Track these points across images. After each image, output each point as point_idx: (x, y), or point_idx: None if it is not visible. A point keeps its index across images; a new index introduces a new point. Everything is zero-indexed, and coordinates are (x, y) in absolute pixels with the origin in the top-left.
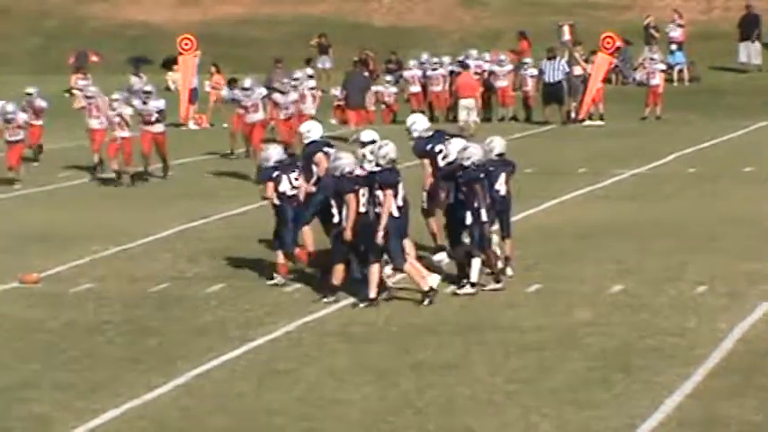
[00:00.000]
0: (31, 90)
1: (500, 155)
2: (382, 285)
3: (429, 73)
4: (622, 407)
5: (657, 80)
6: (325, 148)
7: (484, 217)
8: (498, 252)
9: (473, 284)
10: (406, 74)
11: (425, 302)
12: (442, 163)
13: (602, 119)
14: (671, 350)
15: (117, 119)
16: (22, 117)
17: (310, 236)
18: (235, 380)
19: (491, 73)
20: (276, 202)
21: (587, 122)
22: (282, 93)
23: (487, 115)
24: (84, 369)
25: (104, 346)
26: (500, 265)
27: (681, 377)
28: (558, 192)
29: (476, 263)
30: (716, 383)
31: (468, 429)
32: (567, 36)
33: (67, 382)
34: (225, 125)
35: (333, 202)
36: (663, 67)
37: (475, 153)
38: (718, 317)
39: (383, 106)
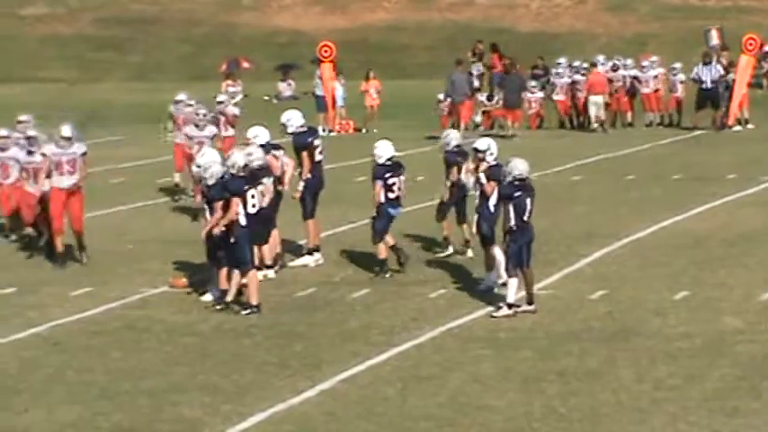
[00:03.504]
0: (221, 98)
1: (458, 146)
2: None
3: (574, 77)
4: None
5: None
6: (274, 151)
7: (517, 236)
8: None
9: (510, 305)
10: (555, 80)
11: (245, 312)
12: (319, 157)
13: (746, 123)
14: None
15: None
16: (211, 130)
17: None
18: (380, 385)
19: (635, 78)
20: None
21: (737, 128)
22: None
23: (619, 120)
24: (231, 373)
25: (251, 350)
26: (450, 249)
27: None
28: (708, 198)
29: (511, 283)
30: None
31: None
32: (715, 40)
33: (215, 385)
34: (375, 130)
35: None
36: None
37: (516, 167)
38: None
39: (529, 111)
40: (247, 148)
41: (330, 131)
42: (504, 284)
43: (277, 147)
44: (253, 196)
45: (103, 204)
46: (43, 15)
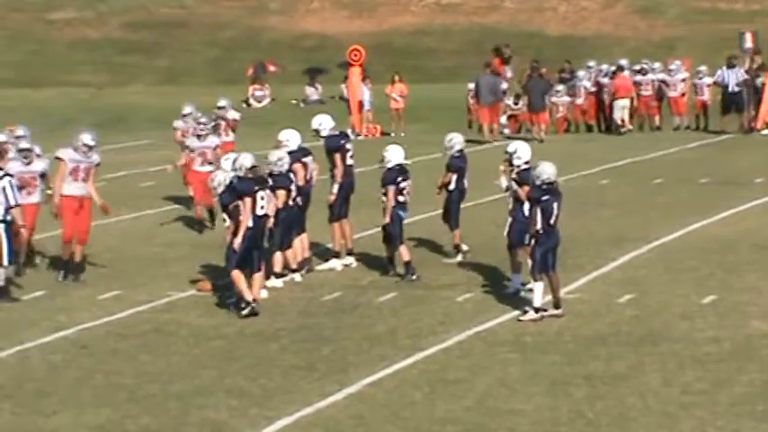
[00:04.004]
0: (222, 103)
1: (460, 151)
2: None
3: (601, 80)
4: None
5: None
6: (304, 158)
7: (543, 239)
8: None
9: (537, 309)
10: (578, 84)
11: (243, 312)
12: (350, 161)
13: None
14: None
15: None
16: (213, 140)
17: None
18: (407, 389)
19: (662, 82)
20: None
21: (765, 131)
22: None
23: (647, 124)
24: (258, 376)
25: (278, 354)
26: (460, 257)
27: None
28: (736, 202)
29: (537, 287)
30: None
31: None
32: (749, 44)
33: (242, 389)
34: (402, 134)
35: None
36: None
37: (544, 171)
38: None
39: (557, 115)
40: (277, 152)
41: (357, 135)
42: (531, 289)
43: (307, 152)
44: (262, 198)
45: (132, 208)
46: (72, 19)
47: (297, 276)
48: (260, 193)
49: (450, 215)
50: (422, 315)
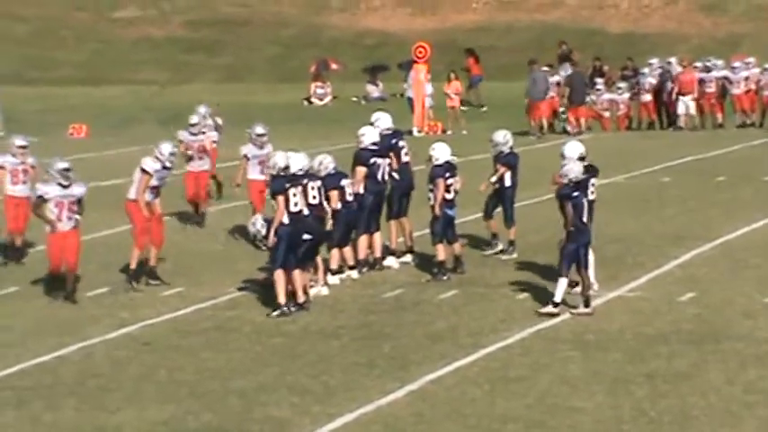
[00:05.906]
0: (202, 110)
1: (511, 148)
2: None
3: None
4: None
5: None
6: (373, 159)
7: (575, 236)
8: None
9: (556, 304)
10: (643, 80)
11: (274, 314)
12: (405, 158)
13: None
14: None
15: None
16: (269, 148)
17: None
18: (467, 386)
19: (725, 79)
20: None
21: None
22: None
23: (710, 121)
24: (319, 373)
25: (339, 351)
26: (500, 246)
27: None
28: None
29: (561, 282)
30: None
31: None
32: None
33: (304, 386)
34: (464, 132)
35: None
36: None
37: (572, 170)
38: None
39: (618, 113)
40: (319, 156)
41: (419, 131)
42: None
43: (378, 153)
44: (294, 195)
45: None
46: (135, 18)
47: (354, 273)
48: (292, 190)
49: (507, 212)
50: (483, 313)
